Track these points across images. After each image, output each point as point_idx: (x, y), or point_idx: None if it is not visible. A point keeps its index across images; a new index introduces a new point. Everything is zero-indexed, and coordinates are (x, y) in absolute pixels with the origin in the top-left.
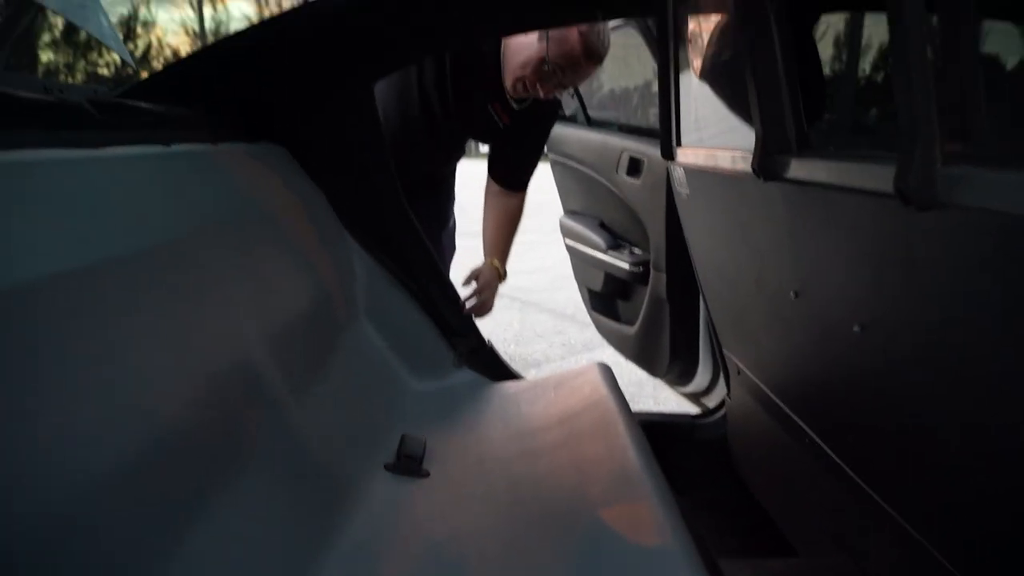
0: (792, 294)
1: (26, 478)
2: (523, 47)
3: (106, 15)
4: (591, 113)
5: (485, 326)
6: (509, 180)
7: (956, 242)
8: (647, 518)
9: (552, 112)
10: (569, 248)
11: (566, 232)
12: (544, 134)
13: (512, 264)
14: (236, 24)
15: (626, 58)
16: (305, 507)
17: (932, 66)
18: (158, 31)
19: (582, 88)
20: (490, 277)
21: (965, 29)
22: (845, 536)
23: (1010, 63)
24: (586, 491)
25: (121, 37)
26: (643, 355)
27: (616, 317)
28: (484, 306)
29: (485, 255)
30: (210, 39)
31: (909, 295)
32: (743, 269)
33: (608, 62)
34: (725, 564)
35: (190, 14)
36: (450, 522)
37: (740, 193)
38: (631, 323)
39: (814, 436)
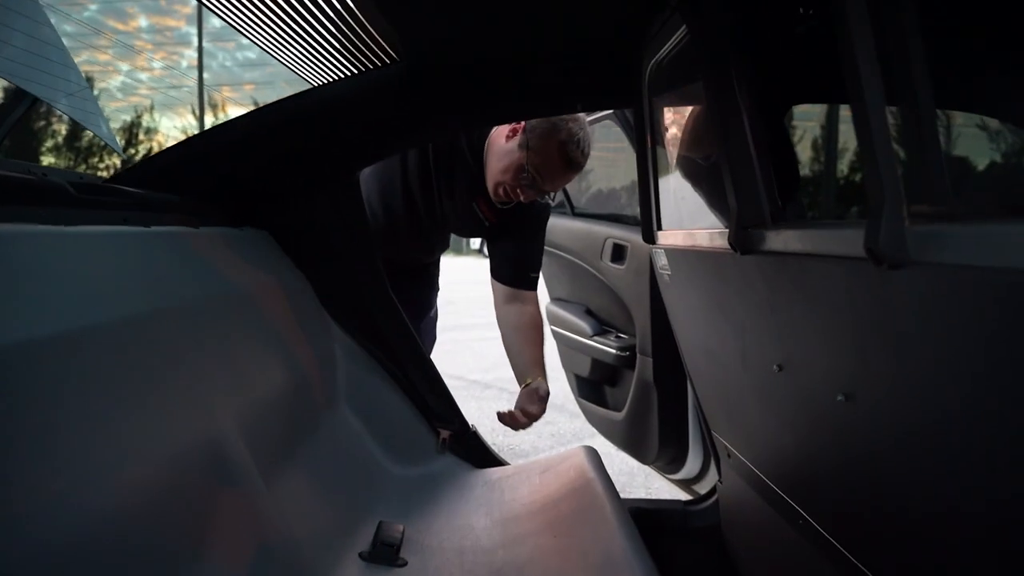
0: (775, 367)
1: None
2: (504, 154)
3: (106, 119)
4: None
5: (470, 415)
6: (511, 278)
7: (929, 299)
8: None
9: (543, 210)
10: (556, 334)
11: (552, 319)
12: (539, 231)
13: (498, 356)
14: None
15: (607, 154)
16: None
17: (892, 135)
18: (160, 137)
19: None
20: (545, 393)
21: (925, 98)
22: None
23: (965, 130)
24: (566, 572)
25: (123, 143)
26: (632, 442)
27: (604, 403)
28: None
29: (527, 376)
30: None
31: (889, 358)
32: (727, 346)
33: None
34: None
35: (192, 121)
36: None
37: (719, 270)
38: (619, 409)
39: (808, 517)
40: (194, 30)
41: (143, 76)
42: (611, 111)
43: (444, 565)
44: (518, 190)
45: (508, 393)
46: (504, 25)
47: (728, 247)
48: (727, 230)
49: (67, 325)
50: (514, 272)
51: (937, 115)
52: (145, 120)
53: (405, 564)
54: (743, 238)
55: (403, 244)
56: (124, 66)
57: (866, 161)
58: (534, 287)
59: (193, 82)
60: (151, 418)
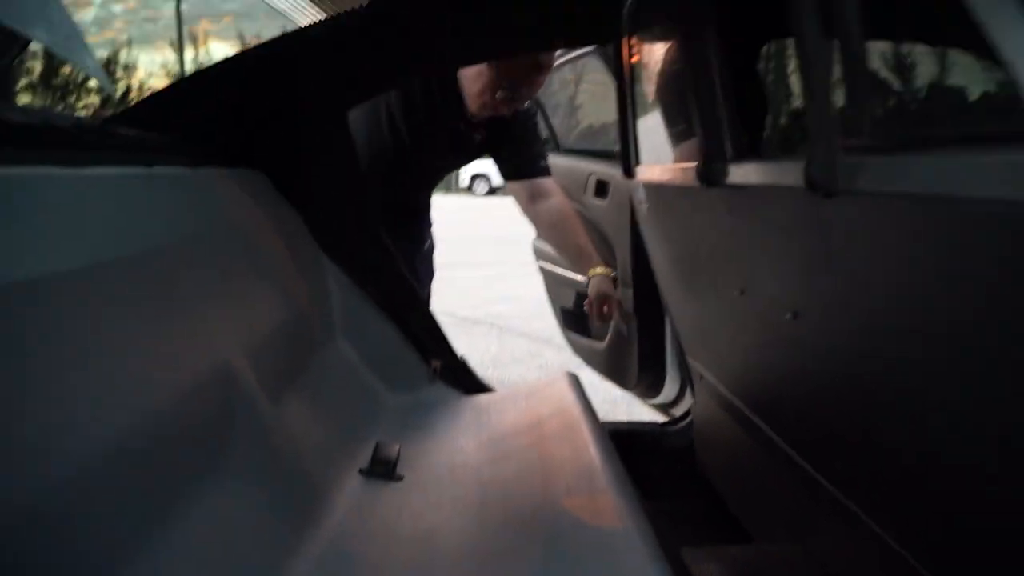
0: (738, 292)
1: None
2: (477, 76)
3: (91, 52)
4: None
5: (461, 348)
6: (523, 170)
7: (859, 224)
8: (609, 510)
9: (528, 114)
10: (542, 269)
11: (539, 254)
12: (533, 126)
13: (488, 292)
14: None
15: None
16: (281, 508)
17: (831, 77)
18: (140, 74)
19: (552, 119)
20: (603, 288)
21: (858, 46)
22: (800, 526)
23: (895, 74)
24: (550, 489)
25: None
26: (613, 369)
27: (587, 334)
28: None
29: (588, 268)
30: None
31: (830, 279)
32: (698, 275)
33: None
34: (686, 552)
35: (171, 55)
36: (421, 522)
37: (689, 202)
38: (601, 339)
39: (770, 432)
40: None
41: (117, 8)
42: (593, 48)
43: (437, 480)
44: (501, 106)
45: (497, 328)
46: None
47: (696, 181)
48: (696, 164)
49: (79, 263)
50: (523, 162)
51: (868, 64)
52: (123, 56)
53: (402, 479)
54: (709, 172)
55: (392, 179)
56: None
57: (806, 100)
58: (548, 172)
59: (169, 14)
60: (164, 346)
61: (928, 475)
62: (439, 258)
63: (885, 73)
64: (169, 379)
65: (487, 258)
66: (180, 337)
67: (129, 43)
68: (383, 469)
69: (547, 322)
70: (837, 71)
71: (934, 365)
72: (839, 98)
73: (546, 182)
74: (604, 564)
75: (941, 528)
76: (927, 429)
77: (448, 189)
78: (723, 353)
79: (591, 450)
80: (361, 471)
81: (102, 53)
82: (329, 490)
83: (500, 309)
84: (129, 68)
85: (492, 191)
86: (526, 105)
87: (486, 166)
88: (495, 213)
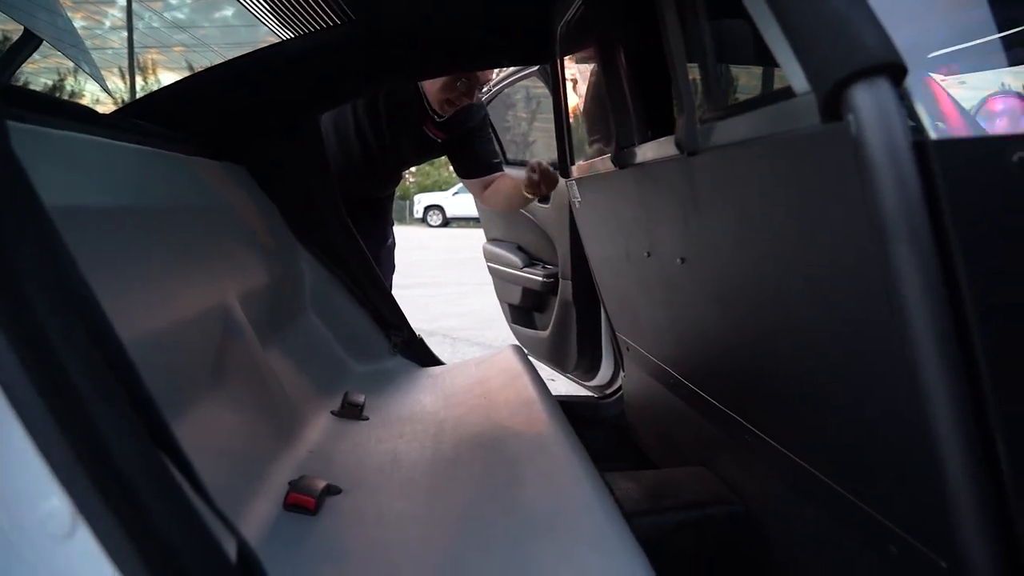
0: (646, 255)
1: None
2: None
3: (89, 55)
4: (508, 155)
5: None
6: (481, 171)
7: (714, 171)
8: (542, 425)
9: (479, 110)
10: (491, 270)
11: (488, 257)
12: (484, 127)
13: (443, 308)
14: None
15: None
16: (266, 426)
17: (688, 77)
18: (85, 100)
19: (502, 136)
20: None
21: (707, 60)
22: (705, 452)
23: (725, 74)
24: (494, 417)
25: None
26: (554, 354)
27: (532, 326)
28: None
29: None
30: None
31: (701, 219)
32: (619, 250)
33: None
34: (605, 476)
35: (119, 84)
36: (385, 445)
37: (609, 187)
38: (544, 329)
39: (679, 376)
40: None
41: None
42: (536, 67)
43: (398, 419)
44: (462, 97)
45: (451, 339)
46: None
47: (612, 166)
48: (611, 152)
49: (107, 202)
50: (480, 165)
51: (710, 69)
52: (69, 83)
53: (368, 419)
54: (621, 156)
55: (358, 179)
56: None
57: (675, 91)
58: (501, 169)
59: (117, 44)
60: (173, 274)
61: (808, 383)
62: (398, 280)
63: (718, 74)
64: (178, 301)
65: (440, 280)
66: (194, 274)
67: (76, 71)
68: (352, 411)
69: (495, 332)
70: (693, 73)
71: (789, 281)
72: (695, 90)
73: (497, 174)
74: (539, 467)
75: (823, 436)
76: (793, 343)
77: (402, 220)
78: (640, 316)
79: (530, 390)
80: (333, 412)
81: (47, 80)
82: (306, 422)
83: (452, 323)
84: (75, 95)
85: (446, 223)
86: (480, 115)
87: (440, 199)
88: (447, 243)
